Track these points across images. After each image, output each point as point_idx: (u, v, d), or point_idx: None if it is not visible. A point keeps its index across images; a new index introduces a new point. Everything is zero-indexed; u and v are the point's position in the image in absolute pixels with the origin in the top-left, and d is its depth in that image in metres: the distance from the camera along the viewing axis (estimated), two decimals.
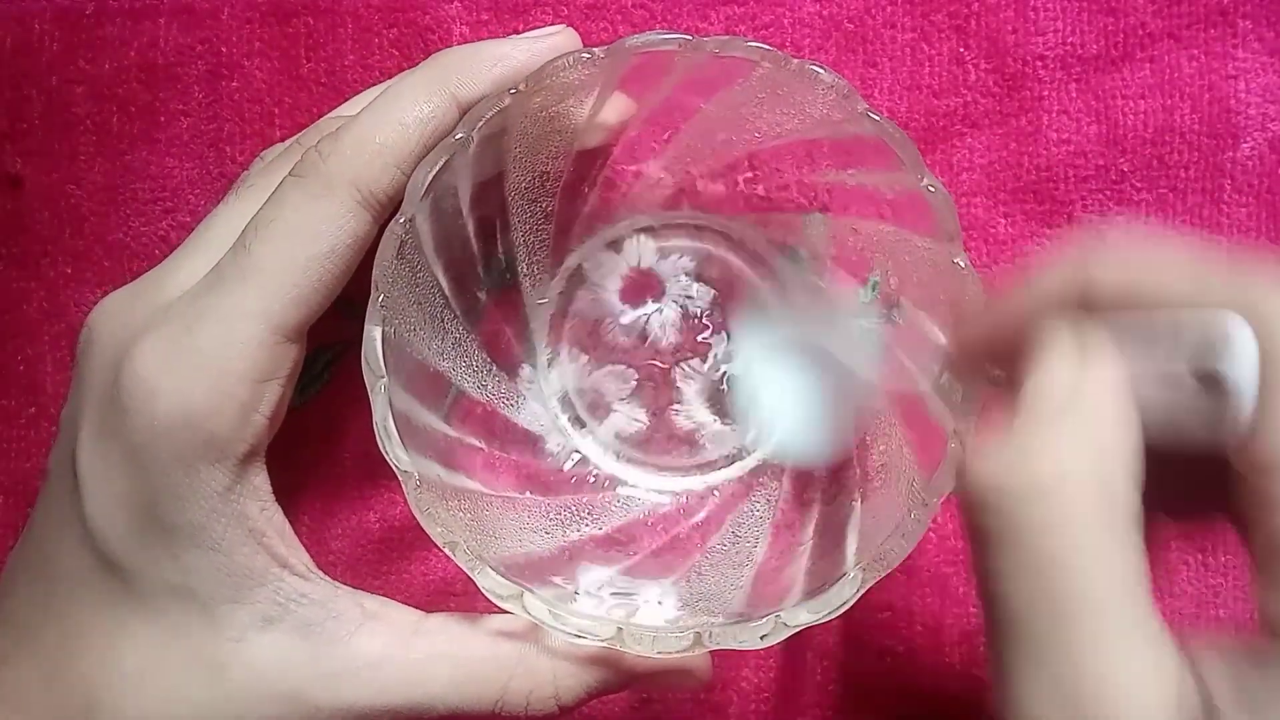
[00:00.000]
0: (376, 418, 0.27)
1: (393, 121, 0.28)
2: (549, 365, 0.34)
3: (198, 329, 0.27)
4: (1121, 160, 0.35)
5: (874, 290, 0.32)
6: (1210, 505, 0.22)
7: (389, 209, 0.28)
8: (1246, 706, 0.19)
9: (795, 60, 0.28)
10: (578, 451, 0.34)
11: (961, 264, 0.28)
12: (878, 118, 0.28)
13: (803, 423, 0.32)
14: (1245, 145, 0.35)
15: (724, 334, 0.34)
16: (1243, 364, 0.21)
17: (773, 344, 0.33)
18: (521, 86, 0.28)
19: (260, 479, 0.28)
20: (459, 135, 0.28)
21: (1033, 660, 0.20)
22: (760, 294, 0.34)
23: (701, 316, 0.34)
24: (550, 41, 0.29)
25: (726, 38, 0.28)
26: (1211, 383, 0.21)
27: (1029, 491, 0.20)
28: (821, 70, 0.28)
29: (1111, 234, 0.25)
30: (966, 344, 0.27)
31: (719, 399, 0.34)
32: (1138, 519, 0.20)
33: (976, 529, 0.21)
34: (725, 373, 0.34)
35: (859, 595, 0.26)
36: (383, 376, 0.27)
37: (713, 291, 0.34)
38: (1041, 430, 0.21)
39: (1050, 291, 0.23)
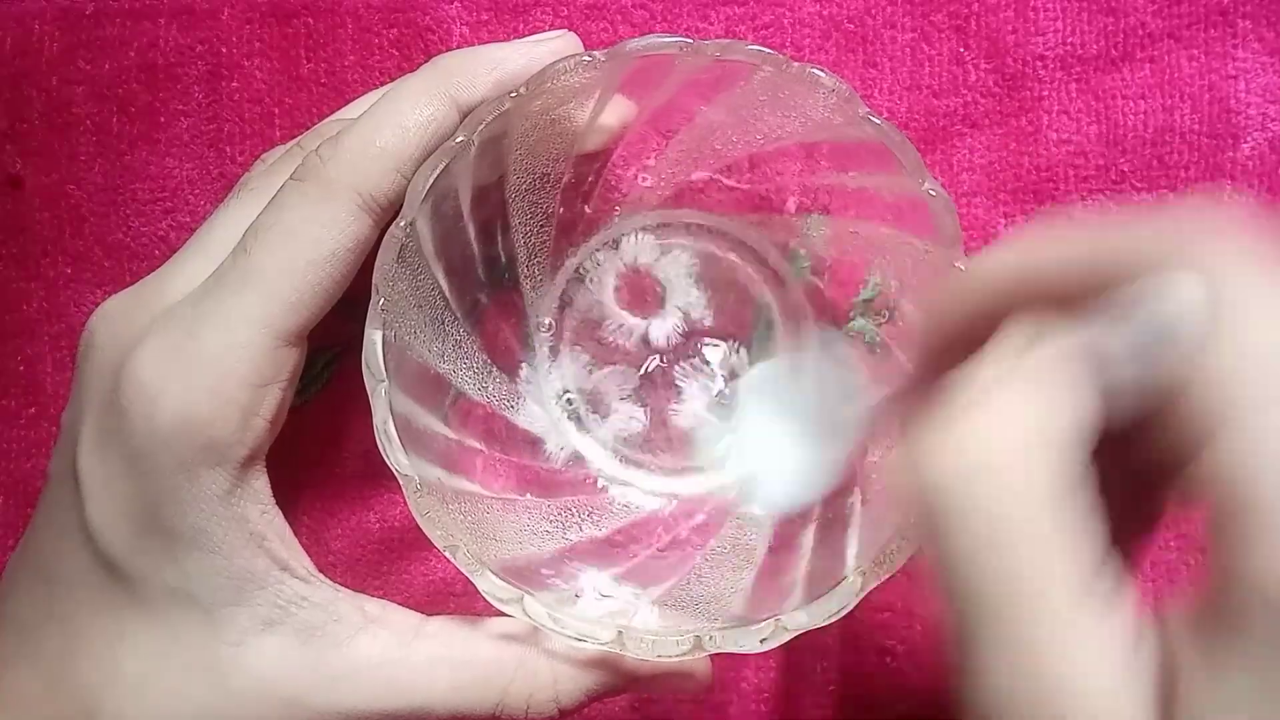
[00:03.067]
0: (377, 422, 0.27)
1: (393, 125, 0.28)
2: (549, 366, 0.34)
3: (198, 334, 0.27)
4: (1121, 160, 0.35)
5: (874, 292, 0.32)
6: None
7: (389, 212, 0.28)
8: (1205, 664, 0.19)
9: (795, 64, 0.28)
10: (578, 453, 0.34)
11: (961, 267, 0.28)
12: (878, 121, 0.28)
13: (787, 474, 0.31)
14: (1245, 145, 0.35)
15: (725, 336, 0.34)
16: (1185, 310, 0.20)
17: (758, 388, 0.33)
18: (522, 90, 0.28)
19: (260, 482, 0.29)
20: (459, 139, 0.28)
21: (988, 647, 0.19)
22: (762, 298, 0.34)
23: (702, 318, 0.34)
24: (550, 45, 0.29)
25: (727, 41, 0.28)
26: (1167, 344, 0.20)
27: (958, 474, 0.20)
28: (822, 74, 0.28)
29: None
30: (932, 340, 0.26)
31: (719, 401, 0.34)
32: (1083, 483, 0.20)
33: (921, 521, 0.21)
34: (727, 376, 0.34)
35: (859, 600, 0.27)
36: (383, 380, 0.27)
37: (713, 292, 0.34)
38: (966, 413, 0.21)
39: (1000, 281, 0.23)
